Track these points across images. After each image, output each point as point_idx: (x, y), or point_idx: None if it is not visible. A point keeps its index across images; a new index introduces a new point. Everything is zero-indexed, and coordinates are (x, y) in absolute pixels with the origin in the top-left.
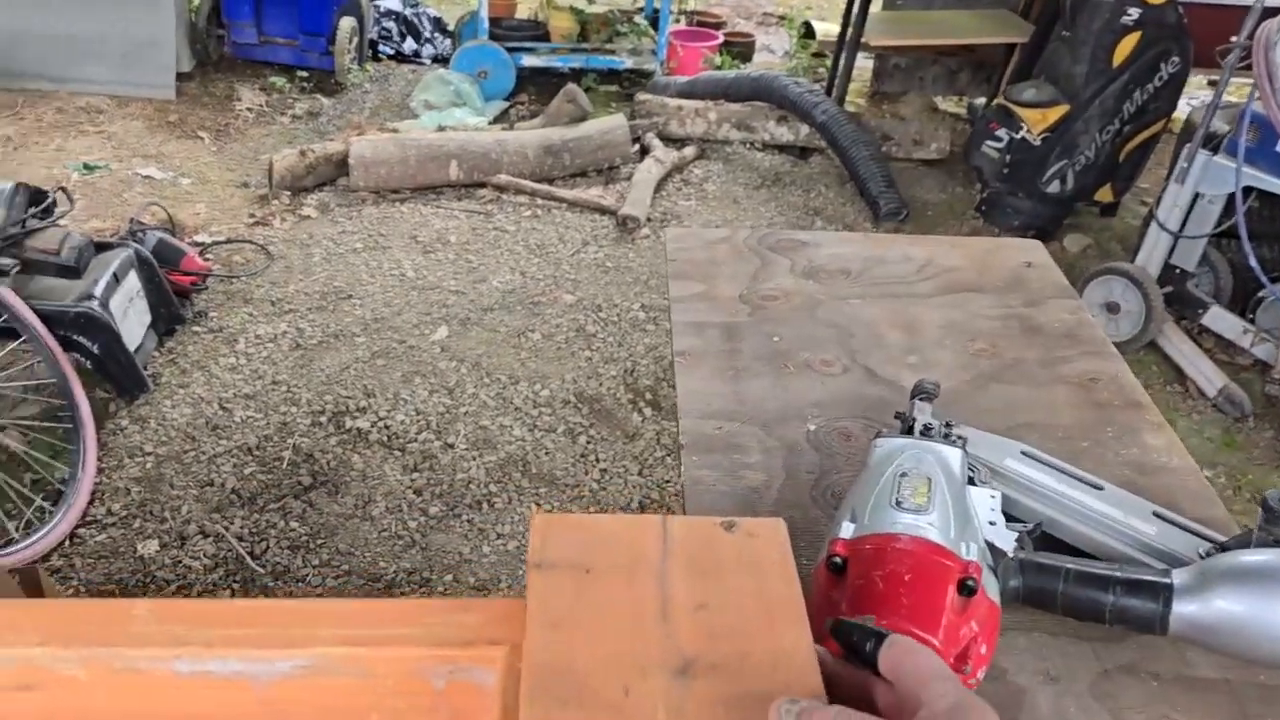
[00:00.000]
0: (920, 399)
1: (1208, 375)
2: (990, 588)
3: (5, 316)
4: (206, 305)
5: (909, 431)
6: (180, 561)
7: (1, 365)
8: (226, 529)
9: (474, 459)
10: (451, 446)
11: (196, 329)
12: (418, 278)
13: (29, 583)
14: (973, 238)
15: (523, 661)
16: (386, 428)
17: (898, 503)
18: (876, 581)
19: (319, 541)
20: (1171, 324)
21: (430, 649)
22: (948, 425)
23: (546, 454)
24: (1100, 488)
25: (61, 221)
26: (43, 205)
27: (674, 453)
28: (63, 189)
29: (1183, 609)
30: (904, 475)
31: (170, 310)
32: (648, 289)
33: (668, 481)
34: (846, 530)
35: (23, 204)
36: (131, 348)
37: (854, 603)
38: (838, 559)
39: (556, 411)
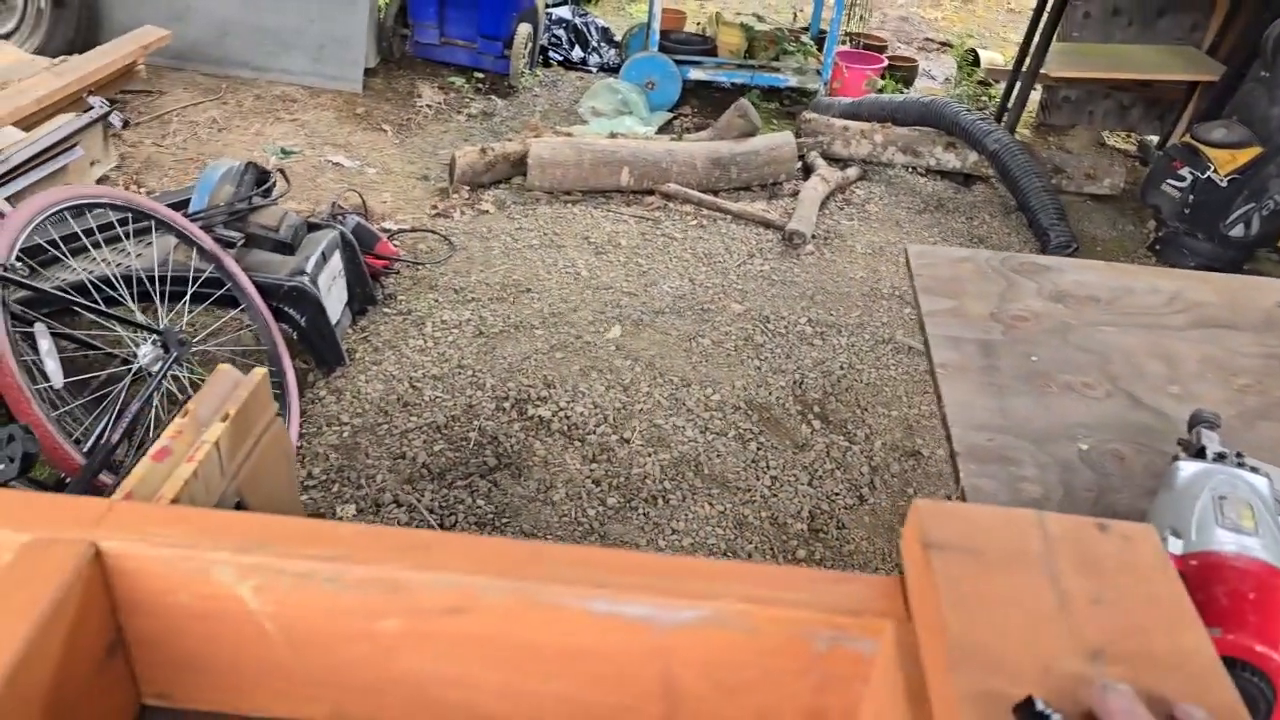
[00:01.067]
0: (1204, 427)
1: None
2: None
3: (229, 285)
4: (395, 289)
5: (1200, 457)
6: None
7: (218, 331)
8: (418, 500)
9: (649, 455)
10: (627, 441)
11: (387, 310)
12: (591, 277)
13: None
14: (1221, 274)
15: (928, 632)
16: (566, 418)
17: (1224, 523)
18: (1220, 598)
19: (504, 520)
20: None
21: (820, 613)
22: (1239, 455)
23: (718, 456)
24: None
25: (279, 200)
26: (265, 185)
27: (843, 467)
28: (280, 171)
29: None
30: (1223, 498)
31: (365, 291)
32: (814, 304)
33: (836, 494)
34: (1175, 546)
35: (250, 182)
36: (332, 323)
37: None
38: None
39: (727, 416)
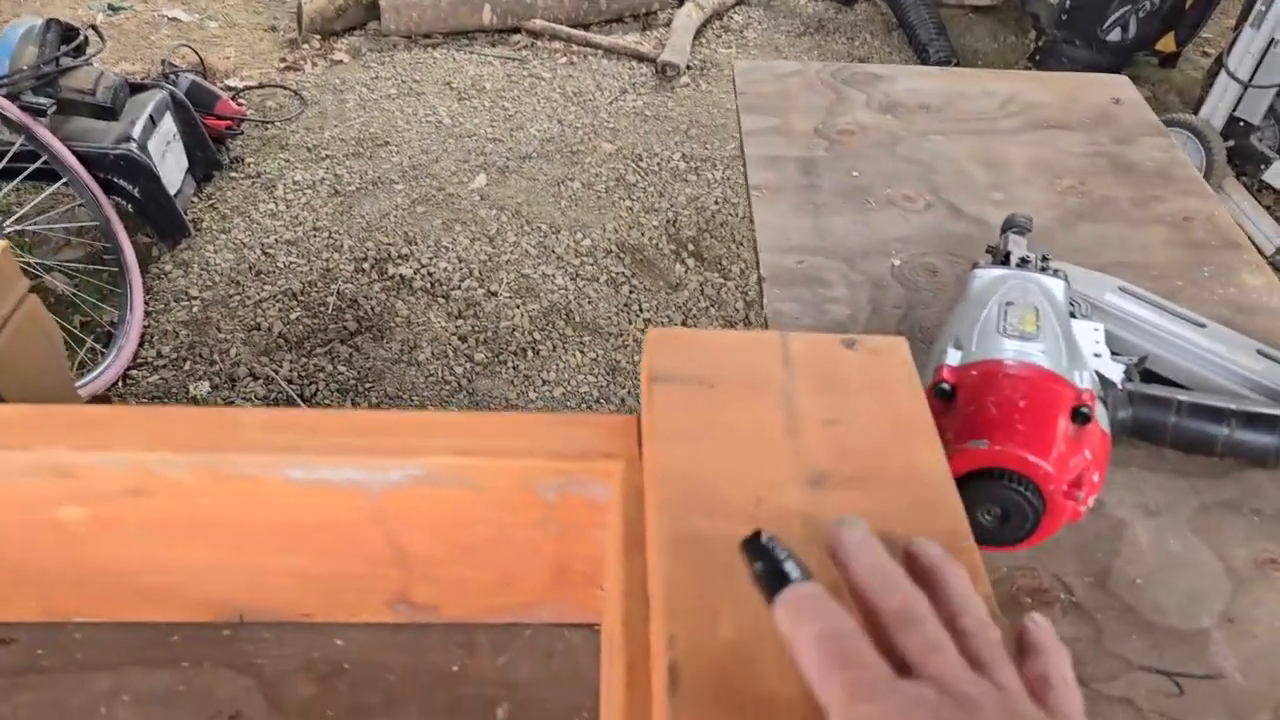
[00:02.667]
0: (1013, 232)
1: (1266, 233)
2: (1102, 417)
3: (45, 158)
4: (242, 151)
5: (1005, 263)
6: (232, 403)
7: (43, 208)
8: (276, 372)
9: (517, 307)
10: (495, 294)
11: (234, 174)
12: (454, 125)
13: None
14: (1059, 73)
15: (647, 473)
16: (429, 275)
17: (1006, 330)
18: (989, 407)
19: (367, 385)
20: (1232, 179)
21: (543, 460)
22: (1044, 259)
23: (589, 303)
24: (1203, 325)
25: (94, 61)
26: (74, 43)
27: (717, 304)
28: (93, 27)
29: None
30: (1010, 304)
31: (207, 155)
32: (688, 138)
33: None
34: (953, 357)
35: (54, 41)
36: (171, 192)
37: (965, 429)
38: (946, 385)
39: (598, 261)
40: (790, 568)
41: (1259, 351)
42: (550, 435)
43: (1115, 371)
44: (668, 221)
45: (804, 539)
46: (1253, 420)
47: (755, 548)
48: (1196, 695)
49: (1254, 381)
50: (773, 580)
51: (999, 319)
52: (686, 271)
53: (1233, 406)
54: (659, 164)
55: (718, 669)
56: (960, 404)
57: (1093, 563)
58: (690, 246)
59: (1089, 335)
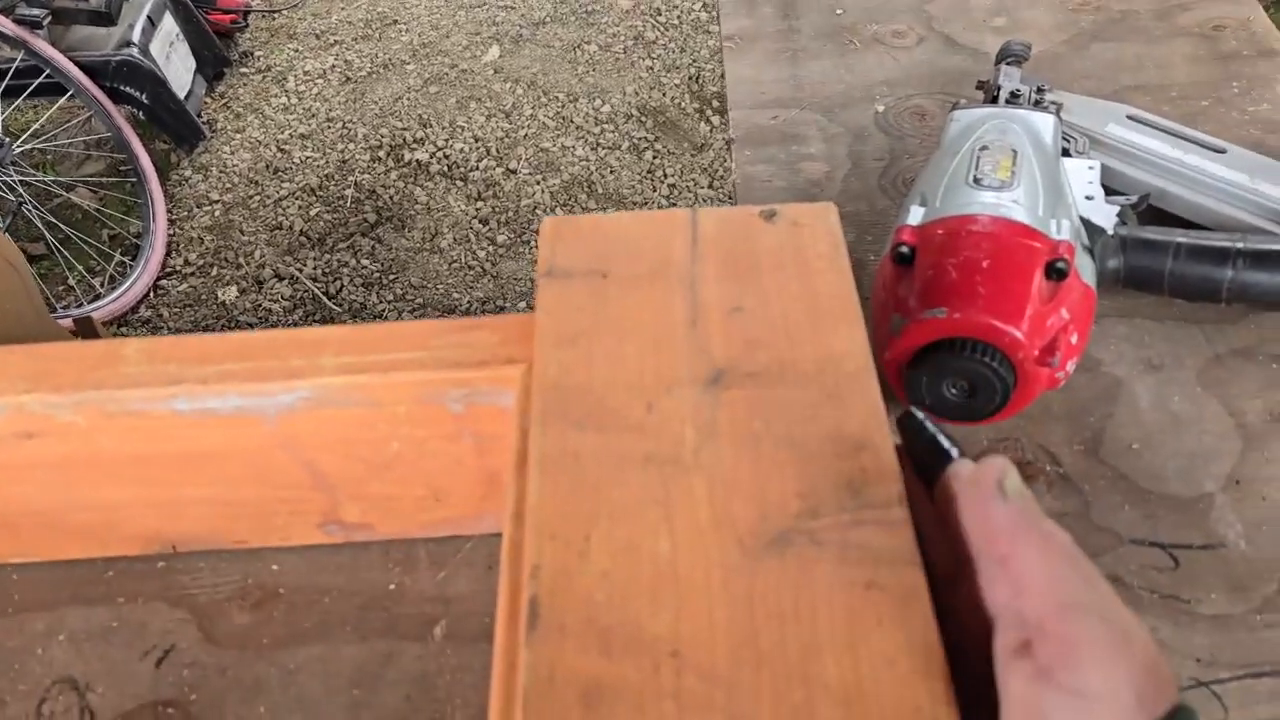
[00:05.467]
0: (1007, 63)
1: None
2: (1085, 270)
3: (48, 72)
4: (250, 45)
5: (993, 101)
6: (260, 305)
7: (57, 123)
8: (300, 271)
9: (538, 183)
10: (514, 172)
11: (244, 70)
12: None
13: (87, 334)
14: None
15: (534, 381)
16: (446, 158)
17: (976, 180)
18: (949, 270)
19: (391, 277)
20: None
21: (439, 371)
22: (1039, 91)
23: (611, 173)
24: (1222, 150)
25: None
26: None
27: None
28: None
29: None
30: (984, 149)
31: (214, 52)
32: None
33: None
34: (915, 216)
35: None
36: (181, 95)
37: (923, 297)
38: (904, 248)
39: (619, 127)
40: (947, 444)
41: None
42: (446, 343)
43: (1107, 215)
44: (690, 78)
45: (694, 448)
46: (1262, 259)
47: (912, 424)
48: (1194, 568)
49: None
50: (937, 456)
51: (969, 167)
52: (711, 130)
53: (1239, 245)
54: (679, 16)
55: (585, 601)
56: (919, 268)
57: (1084, 428)
58: (714, 103)
59: (1082, 175)
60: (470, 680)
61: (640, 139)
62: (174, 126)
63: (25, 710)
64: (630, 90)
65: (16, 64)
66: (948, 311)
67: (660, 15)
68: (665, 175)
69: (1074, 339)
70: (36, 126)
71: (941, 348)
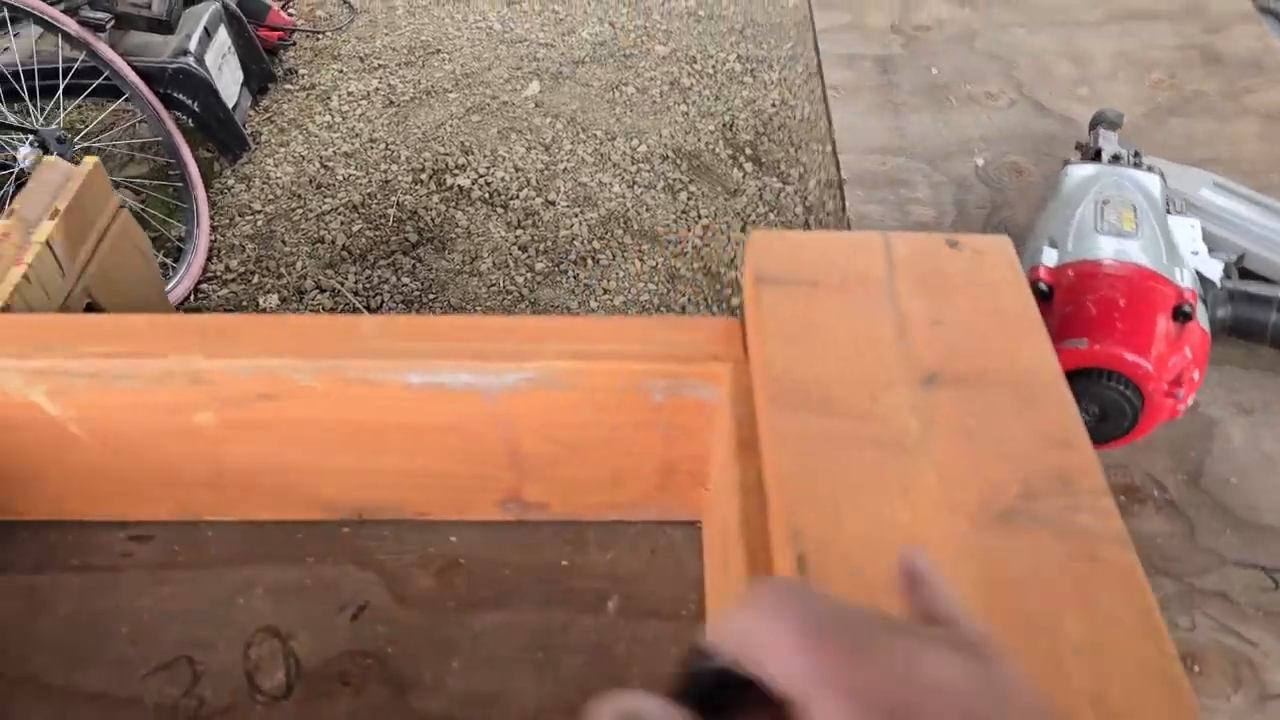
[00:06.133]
0: (1104, 128)
1: None
2: (1202, 316)
3: (106, 74)
4: (295, 62)
5: (1096, 160)
6: (300, 314)
7: (105, 125)
8: (341, 284)
9: (576, 215)
10: (553, 203)
11: (288, 87)
12: (504, 30)
13: None
14: None
15: (760, 374)
16: (487, 184)
17: (1103, 228)
18: (1088, 306)
19: (431, 296)
20: None
21: (652, 363)
22: (1136, 154)
23: (647, 210)
24: None
25: None
26: None
27: (776, 209)
28: None
29: None
30: (1105, 202)
31: (261, 67)
32: (743, 39)
33: None
34: (1049, 257)
35: None
36: (228, 105)
37: (1063, 329)
38: (1043, 285)
39: (655, 167)
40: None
41: None
42: (659, 338)
43: (1214, 269)
44: (724, 125)
45: (918, 437)
46: None
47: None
48: None
49: None
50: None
51: (1096, 217)
52: (744, 176)
53: None
54: (714, 66)
55: (846, 560)
56: (1057, 304)
57: (1185, 461)
58: (748, 150)
59: (1186, 232)
60: (644, 652)
61: (675, 180)
62: (221, 136)
63: (233, 654)
64: (666, 133)
65: (77, 65)
66: (1089, 343)
67: (695, 63)
68: (699, 216)
69: (1195, 376)
70: (92, 126)
71: (1079, 375)
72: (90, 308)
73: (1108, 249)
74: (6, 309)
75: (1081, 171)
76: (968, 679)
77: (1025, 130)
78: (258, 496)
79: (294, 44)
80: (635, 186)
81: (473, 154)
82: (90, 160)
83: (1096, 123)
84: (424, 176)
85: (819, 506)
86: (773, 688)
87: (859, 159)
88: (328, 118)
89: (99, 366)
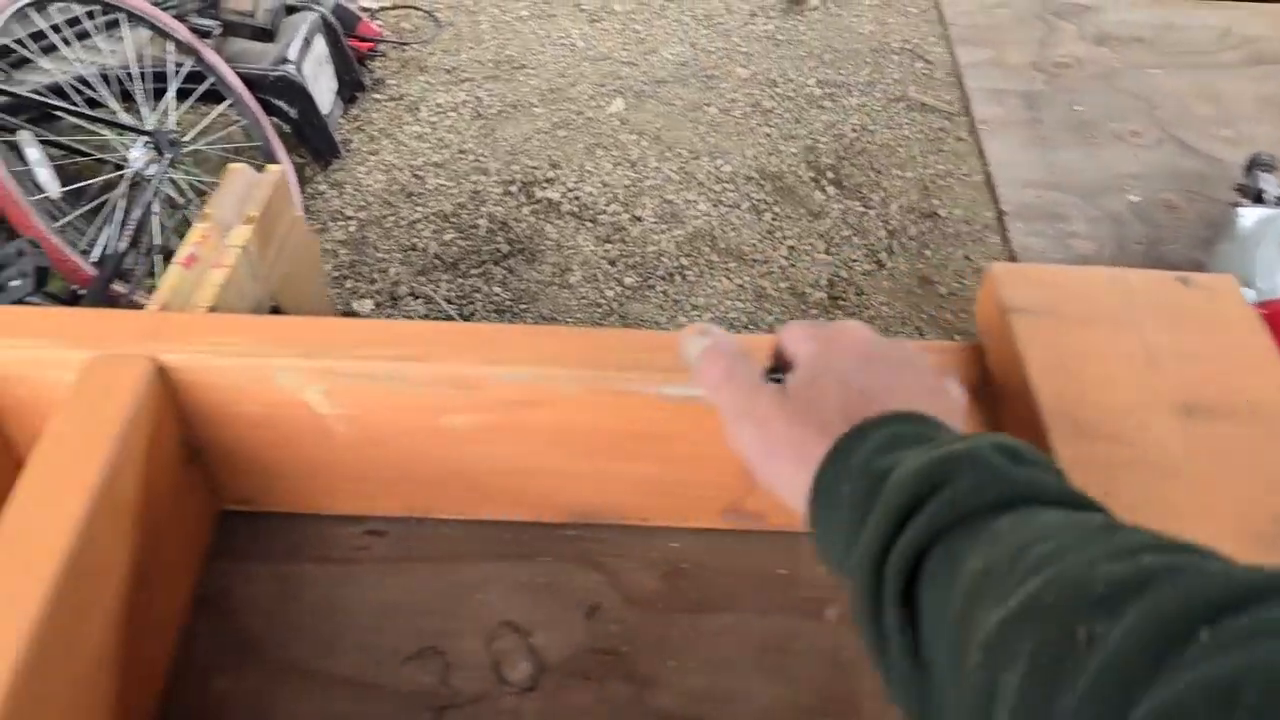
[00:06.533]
0: (1262, 170)
1: None
2: None
3: (213, 79)
4: (383, 73)
5: (1259, 201)
6: (395, 320)
7: (205, 129)
8: (434, 292)
9: (663, 232)
10: (640, 219)
11: (377, 96)
12: (587, 48)
13: None
14: (1275, 2)
15: (1011, 401)
16: (576, 198)
17: None
18: None
19: (522, 306)
20: None
21: None
22: None
23: (733, 229)
24: None
25: None
26: None
27: (860, 232)
28: None
29: None
30: None
31: (353, 77)
32: (822, 64)
33: (854, 261)
34: (1250, 296)
35: None
36: (323, 113)
37: None
38: None
39: (739, 188)
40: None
41: None
42: None
43: None
44: (805, 148)
45: (1181, 461)
46: None
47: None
48: None
49: None
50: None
51: None
52: (827, 199)
53: None
54: (794, 90)
55: None
56: None
57: None
58: (829, 174)
59: None
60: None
61: (759, 200)
62: (315, 142)
63: (477, 646)
64: (749, 154)
65: (185, 70)
66: None
67: (776, 86)
68: (784, 237)
69: None
70: (200, 129)
71: None
72: (274, 311)
73: None
74: (212, 309)
75: (1255, 214)
76: (870, 336)
77: (1174, 169)
78: (488, 497)
79: (382, 54)
80: (720, 205)
81: (560, 168)
82: (275, 168)
83: (1253, 165)
84: (513, 189)
85: None
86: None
87: (1015, 192)
88: (417, 128)
89: (376, 369)
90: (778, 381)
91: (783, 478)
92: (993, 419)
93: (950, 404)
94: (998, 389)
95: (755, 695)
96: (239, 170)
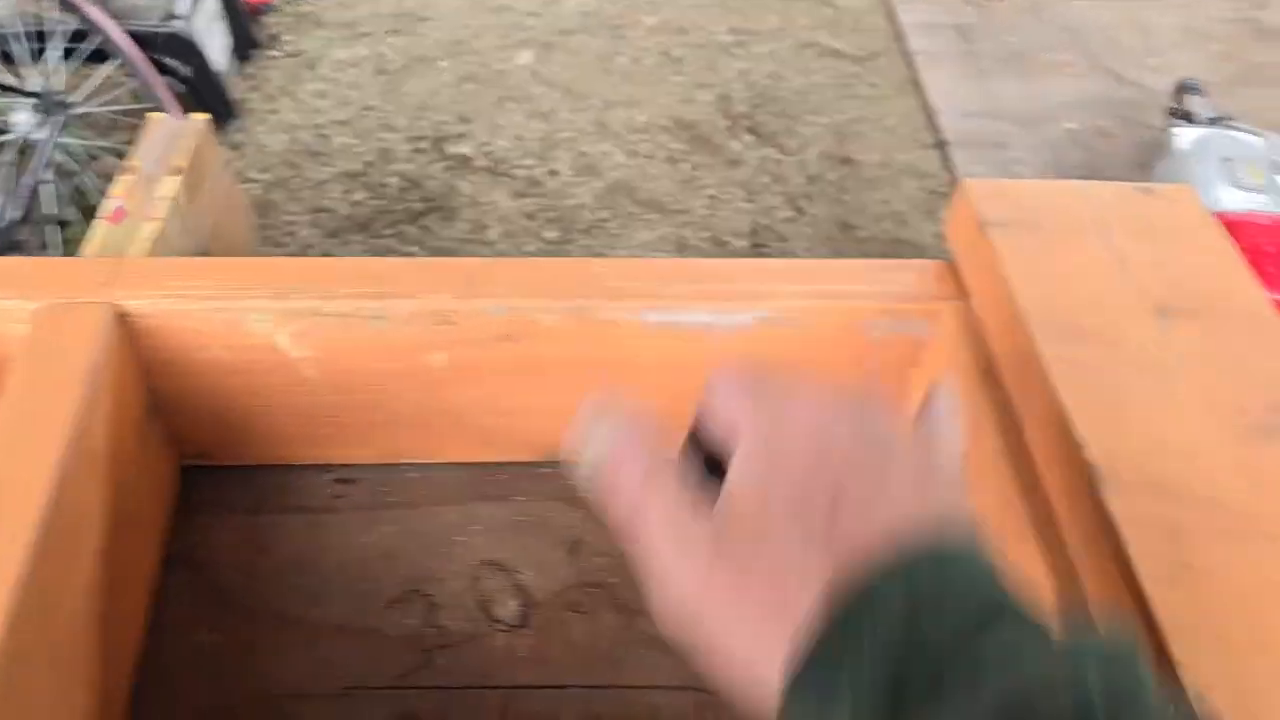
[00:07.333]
0: (1190, 94)
1: None
2: None
3: (100, 38)
4: (278, 28)
5: (1189, 122)
6: None
7: (93, 91)
8: (348, 254)
9: (581, 185)
10: (556, 173)
11: (273, 53)
12: None
13: None
14: None
15: (994, 311)
16: (489, 153)
17: (1236, 183)
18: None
19: None
20: None
21: (876, 302)
22: (1229, 119)
23: (651, 180)
24: None
25: None
26: None
27: (779, 179)
28: None
29: None
30: (1229, 160)
31: (246, 33)
32: (729, 11)
33: (774, 208)
34: None
35: None
36: (217, 72)
37: None
38: None
39: (655, 138)
40: None
41: None
42: (881, 279)
43: None
44: (719, 97)
45: (1171, 360)
46: None
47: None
48: None
49: None
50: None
51: (1223, 174)
52: (744, 148)
53: None
54: (704, 37)
55: (1135, 468)
56: None
57: None
58: (745, 122)
59: None
60: None
61: (676, 150)
62: (211, 103)
63: (463, 587)
64: (663, 103)
65: (69, 29)
66: None
67: (686, 35)
68: (703, 186)
69: None
70: (89, 91)
71: None
72: None
73: (1240, 203)
74: None
75: (1192, 133)
76: (831, 400)
77: (1106, 97)
78: (463, 439)
79: (276, 9)
80: (637, 156)
81: (471, 122)
82: (200, 117)
83: (1182, 90)
84: (423, 145)
85: (1099, 420)
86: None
87: (956, 121)
88: (317, 85)
89: (352, 307)
90: (713, 472)
91: (737, 658)
92: (976, 330)
93: (948, 486)
94: (978, 301)
95: None
96: (160, 120)
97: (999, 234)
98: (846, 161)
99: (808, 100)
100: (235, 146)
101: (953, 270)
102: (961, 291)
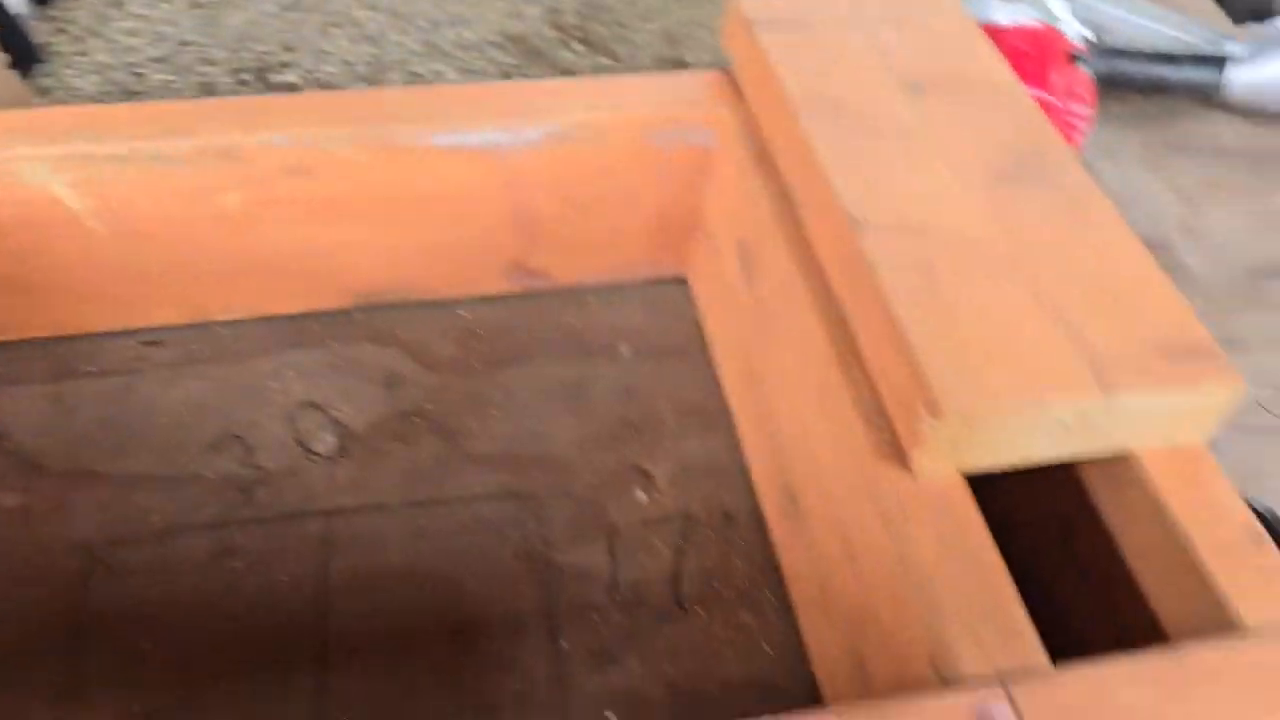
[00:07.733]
0: None
1: None
2: (1086, 65)
3: None
4: None
5: None
6: None
7: None
8: None
9: None
10: None
11: None
12: None
13: None
14: None
15: (774, 95)
16: (316, 80)
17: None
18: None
19: None
20: None
21: (661, 112)
22: None
23: None
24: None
25: None
26: None
27: None
28: None
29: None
30: None
31: None
32: None
33: None
34: None
35: None
36: (13, 14)
37: None
38: None
39: (485, 53)
40: None
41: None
42: (662, 90)
43: (1081, 34)
44: (548, 9)
45: (923, 127)
46: (1200, 60)
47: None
48: None
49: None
50: None
51: None
52: (577, 58)
53: (1183, 51)
54: None
55: (893, 215)
56: None
57: None
58: (576, 33)
59: (1059, 6)
60: (667, 385)
61: (507, 64)
62: (12, 47)
63: (280, 427)
64: (491, 18)
65: None
66: None
67: None
68: None
69: (1086, 110)
70: None
71: None
72: None
73: (1004, 13)
74: None
75: None
76: None
77: None
78: (270, 287)
79: None
80: (469, 73)
81: (295, 50)
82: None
83: None
84: (247, 77)
85: (862, 182)
86: None
87: None
88: (128, 23)
89: (129, 148)
90: None
91: None
92: (753, 125)
93: None
94: (753, 96)
95: (566, 429)
96: None
97: (766, 32)
98: (679, 64)
99: (636, 5)
100: (44, 92)
101: (730, 77)
102: (740, 96)
